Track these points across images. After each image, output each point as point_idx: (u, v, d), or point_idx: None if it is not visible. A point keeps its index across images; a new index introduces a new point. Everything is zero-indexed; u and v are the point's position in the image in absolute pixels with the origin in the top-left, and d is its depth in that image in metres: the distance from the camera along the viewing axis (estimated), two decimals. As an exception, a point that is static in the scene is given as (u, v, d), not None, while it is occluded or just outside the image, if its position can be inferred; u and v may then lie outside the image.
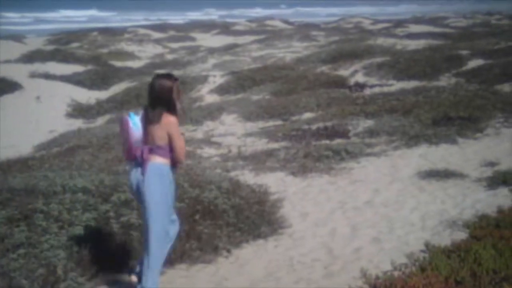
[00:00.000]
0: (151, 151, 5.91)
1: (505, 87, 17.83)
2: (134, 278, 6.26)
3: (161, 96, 5.85)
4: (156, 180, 5.88)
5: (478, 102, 15.32)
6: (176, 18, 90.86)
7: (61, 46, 43.54)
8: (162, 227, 5.99)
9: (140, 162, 5.95)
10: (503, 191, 9.35)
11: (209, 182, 9.24)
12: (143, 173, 5.89)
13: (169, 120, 5.85)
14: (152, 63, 37.73)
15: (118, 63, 36.46)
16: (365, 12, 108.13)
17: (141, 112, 6.06)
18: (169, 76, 6.04)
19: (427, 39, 36.63)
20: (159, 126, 5.85)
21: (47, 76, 28.30)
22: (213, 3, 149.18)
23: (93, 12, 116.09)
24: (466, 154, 11.79)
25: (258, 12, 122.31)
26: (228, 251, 7.64)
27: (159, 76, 6.04)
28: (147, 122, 5.91)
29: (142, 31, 57.80)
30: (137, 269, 6.28)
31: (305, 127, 15.09)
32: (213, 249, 7.55)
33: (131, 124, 5.95)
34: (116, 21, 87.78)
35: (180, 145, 5.90)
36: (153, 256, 5.98)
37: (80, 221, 7.33)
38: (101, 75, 29.19)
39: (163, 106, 5.85)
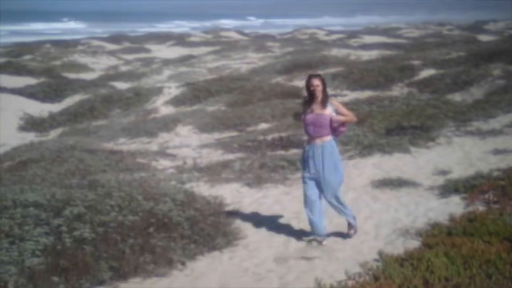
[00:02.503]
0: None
1: (456, 97, 18.17)
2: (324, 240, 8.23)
3: (325, 89, 7.98)
4: (333, 153, 8.06)
5: (430, 111, 15.57)
6: (147, 30, 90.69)
7: (12, 59, 42.81)
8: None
9: (318, 141, 8.05)
10: (455, 199, 9.51)
11: (164, 194, 9.17)
12: (322, 149, 8.03)
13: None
14: (106, 75, 37.37)
15: (72, 75, 35.98)
16: (336, 23, 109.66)
17: (305, 104, 8.18)
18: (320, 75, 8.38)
19: (380, 49, 37.14)
20: (327, 111, 7.93)
21: (-1, 89, 27.76)
22: (184, 15, 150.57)
23: (65, 25, 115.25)
24: (419, 163, 11.96)
25: (228, 24, 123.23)
26: (183, 263, 7.58)
27: (316, 75, 8.20)
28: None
29: (96, 42, 57.21)
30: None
31: (261, 137, 15.12)
32: (168, 262, 7.49)
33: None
34: (87, 33, 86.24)
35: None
36: (340, 197, 8.37)
37: (32, 236, 7.20)
38: (54, 88, 28.70)
39: (327, 96, 8.01)
